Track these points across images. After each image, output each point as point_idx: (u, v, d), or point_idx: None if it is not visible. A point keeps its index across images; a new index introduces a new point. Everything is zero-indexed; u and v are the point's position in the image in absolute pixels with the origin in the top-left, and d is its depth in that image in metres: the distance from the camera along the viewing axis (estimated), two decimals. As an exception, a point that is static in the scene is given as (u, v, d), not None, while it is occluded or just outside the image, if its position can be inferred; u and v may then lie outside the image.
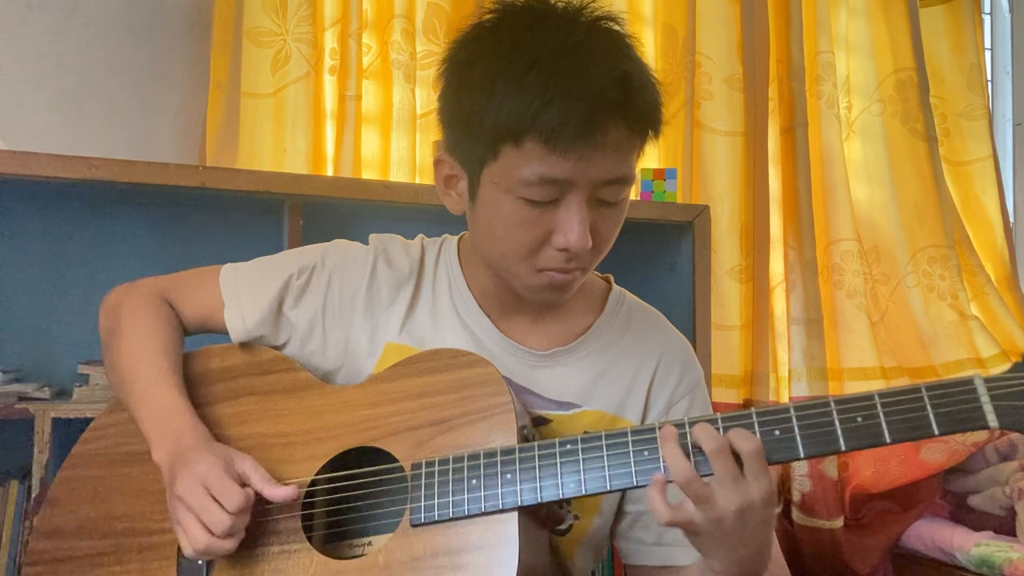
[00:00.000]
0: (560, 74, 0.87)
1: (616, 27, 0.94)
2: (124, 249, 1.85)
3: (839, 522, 2.35)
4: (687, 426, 0.85)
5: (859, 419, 0.82)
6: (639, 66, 0.93)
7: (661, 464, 0.85)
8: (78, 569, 1.00)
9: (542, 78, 0.87)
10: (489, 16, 0.96)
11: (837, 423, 0.82)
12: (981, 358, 2.55)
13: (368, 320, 1.08)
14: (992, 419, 0.78)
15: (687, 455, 0.83)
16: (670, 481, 0.83)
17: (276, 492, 0.91)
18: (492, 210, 0.95)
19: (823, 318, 2.39)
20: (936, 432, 0.80)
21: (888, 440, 0.81)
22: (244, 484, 0.91)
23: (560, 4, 0.94)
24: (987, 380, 0.80)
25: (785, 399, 2.42)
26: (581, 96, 0.86)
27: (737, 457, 0.82)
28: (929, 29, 2.74)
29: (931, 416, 0.80)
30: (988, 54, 3.09)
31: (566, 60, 0.87)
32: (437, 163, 1.02)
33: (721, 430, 0.84)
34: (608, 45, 0.91)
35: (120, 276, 1.18)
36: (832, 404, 0.83)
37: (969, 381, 0.80)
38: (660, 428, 0.86)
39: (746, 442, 0.82)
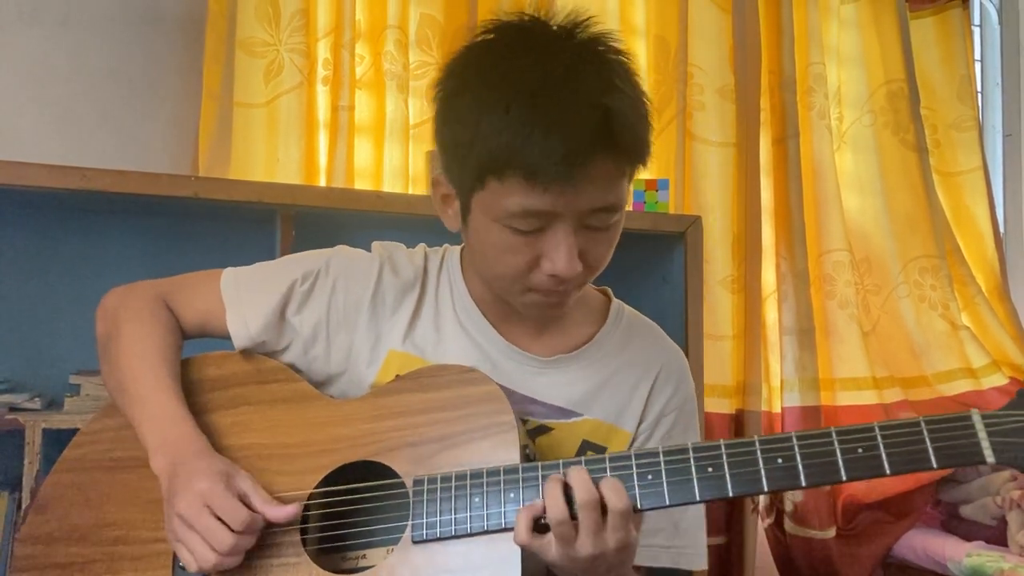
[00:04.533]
0: (540, 110, 0.86)
1: (607, 50, 0.93)
2: (116, 259, 1.84)
3: (831, 532, 2.35)
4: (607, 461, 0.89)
5: (860, 450, 0.83)
6: (626, 96, 0.91)
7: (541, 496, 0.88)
8: None
9: (522, 114, 0.87)
10: (480, 38, 0.96)
11: (839, 453, 0.83)
12: (972, 368, 2.56)
13: (372, 327, 1.08)
14: (989, 455, 0.80)
15: (568, 498, 0.86)
16: (543, 520, 0.86)
17: (277, 513, 0.91)
18: (482, 235, 0.96)
19: (815, 328, 2.40)
20: (935, 466, 0.81)
21: (888, 472, 0.82)
22: (244, 503, 0.91)
23: (553, 24, 0.94)
24: (984, 416, 0.81)
25: (777, 409, 2.42)
26: (561, 132, 0.86)
27: (604, 508, 0.85)
28: (920, 41, 2.76)
29: (930, 450, 0.81)
30: (978, 66, 3.11)
31: (547, 96, 0.87)
32: (434, 183, 1.03)
33: (634, 469, 0.87)
34: (592, 76, 0.90)
35: (112, 286, 1.16)
36: (834, 434, 0.84)
37: (967, 417, 0.82)
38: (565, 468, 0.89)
39: (617, 501, 0.85)
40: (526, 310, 1.02)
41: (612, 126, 0.88)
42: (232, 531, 0.88)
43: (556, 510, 0.85)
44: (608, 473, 0.87)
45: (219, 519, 0.88)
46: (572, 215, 0.91)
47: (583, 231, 0.93)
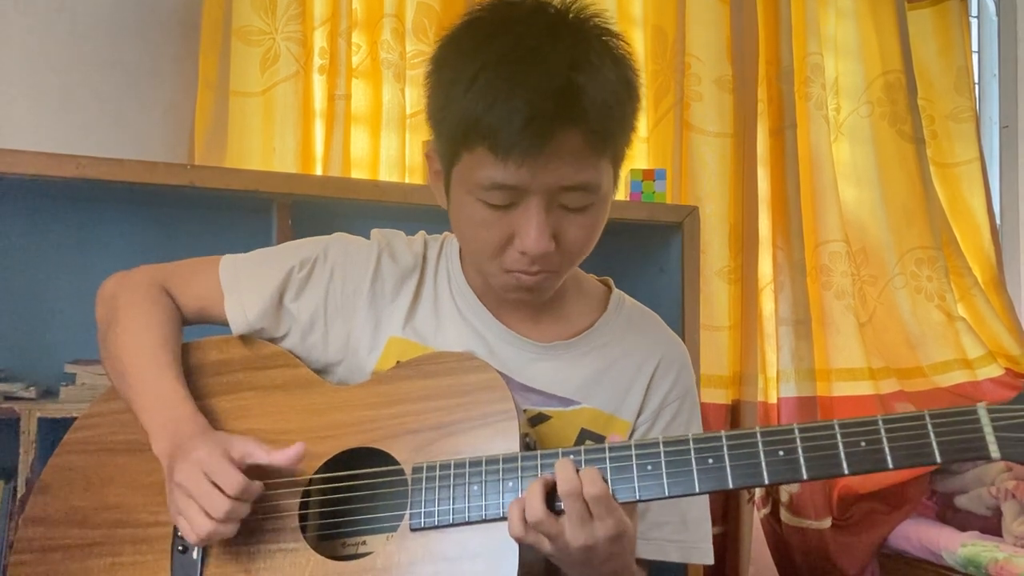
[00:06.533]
0: (504, 79, 0.86)
1: (593, 29, 0.92)
2: (112, 248, 1.83)
3: (827, 522, 2.36)
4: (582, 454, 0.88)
5: (863, 443, 0.81)
6: (600, 74, 0.89)
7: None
8: (70, 558, 0.99)
9: (487, 83, 0.86)
10: (473, 15, 0.95)
11: (841, 446, 0.82)
12: (968, 359, 2.56)
13: (371, 314, 1.08)
14: (994, 449, 0.78)
15: (550, 496, 0.85)
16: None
17: (282, 455, 0.90)
18: (459, 210, 0.96)
19: (811, 319, 2.40)
20: (938, 460, 0.79)
21: (891, 466, 0.80)
22: (247, 465, 0.90)
23: (550, 5, 0.93)
24: (990, 410, 0.79)
25: (774, 400, 2.42)
26: (521, 103, 0.85)
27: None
28: (917, 32, 2.75)
29: (934, 443, 0.80)
30: (975, 57, 3.10)
31: (512, 66, 0.86)
32: (427, 158, 1.03)
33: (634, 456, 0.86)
34: (566, 50, 0.88)
35: (107, 276, 1.16)
36: (836, 427, 0.82)
37: (973, 411, 0.80)
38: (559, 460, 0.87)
39: (591, 487, 0.84)
40: (504, 292, 1.02)
41: (580, 100, 0.87)
42: (228, 496, 0.87)
43: (533, 511, 0.84)
44: (608, 463, 0.87)
45: (215, 485, 0.88)
46: (542, 191, 0.90)
47: (557, 210, 0.93)
